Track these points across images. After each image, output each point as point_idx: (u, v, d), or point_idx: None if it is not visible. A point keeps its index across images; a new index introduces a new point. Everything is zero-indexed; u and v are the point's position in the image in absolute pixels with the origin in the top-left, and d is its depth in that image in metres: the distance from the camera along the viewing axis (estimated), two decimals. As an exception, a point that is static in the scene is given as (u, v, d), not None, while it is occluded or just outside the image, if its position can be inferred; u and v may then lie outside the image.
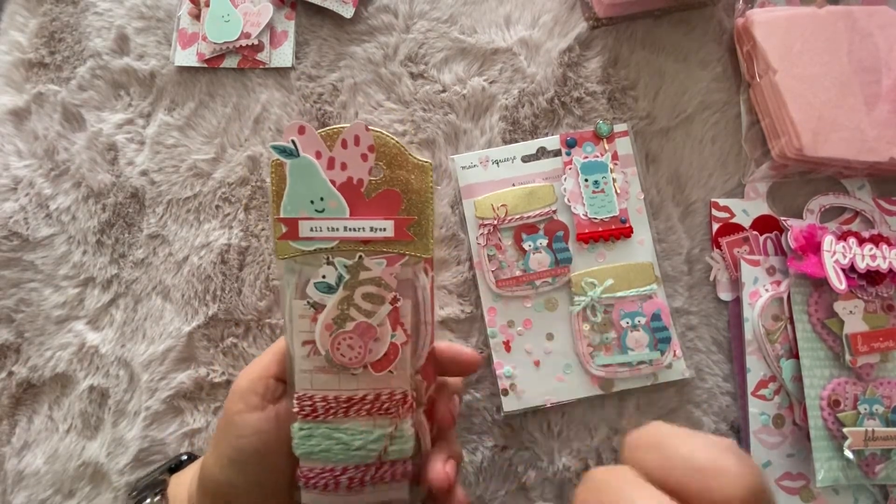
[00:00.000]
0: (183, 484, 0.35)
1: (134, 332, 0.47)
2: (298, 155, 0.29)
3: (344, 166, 0.29)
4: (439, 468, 0.31)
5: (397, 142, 0.30)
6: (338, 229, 0.30)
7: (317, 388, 0.30)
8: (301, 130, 0.28)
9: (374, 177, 0.30)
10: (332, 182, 0.29)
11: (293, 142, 0.29)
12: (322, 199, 0.29)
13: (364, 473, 0.31)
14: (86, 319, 0.47)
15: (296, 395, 0.30)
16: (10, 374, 0.47)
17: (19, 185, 0.49)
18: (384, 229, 0.30)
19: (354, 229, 0.30)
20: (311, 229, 0.29)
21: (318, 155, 0.29)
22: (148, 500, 0.35)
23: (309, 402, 0.30)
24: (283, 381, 0.32)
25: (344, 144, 0.29)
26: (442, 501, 0.32)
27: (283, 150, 0.29)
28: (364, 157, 0.29)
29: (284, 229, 0.30)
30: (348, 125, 0.29)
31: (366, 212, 0.30)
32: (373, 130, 0.29)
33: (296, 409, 0.30)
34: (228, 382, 0.46)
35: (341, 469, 0.30)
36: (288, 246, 0.30)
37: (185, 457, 0.41)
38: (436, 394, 0.33)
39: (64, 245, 0.48)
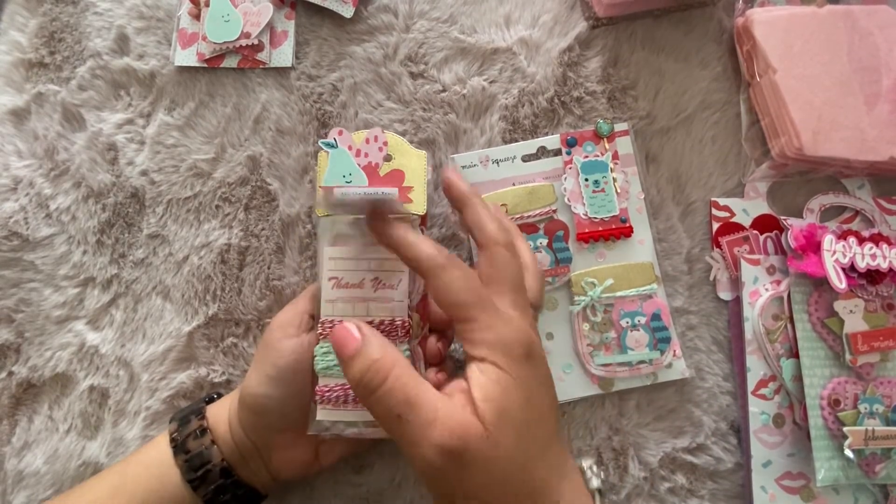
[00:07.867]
0: (221, 409, 0.41)
1: (134, 332, 0.47)
2: (337, 147, 0.44)
3: (366, 155, 0.44)
4: (432, 343, 0.39)
5: (403, 139, 0.45)
6: (359, 194, 0.39)
7: (336, 314, 0.38)
8: (339, 133, 0.44)
9: (386, 161, 0.44)
10: (358, 164, 0.44)
11: (334, 139, 0.44)
12: (350, 174, 0.44)
13: None
14: (86, 319, 0.47)
15: (320, 321, 0.38)
16: (10, 374, 0.47)
17: (19, 185, 0.49)
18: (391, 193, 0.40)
19: (370, 193, 0.39)
20: (342, 194, 0.38)
21: (350, 147, 0.44)
22: (192, 421, 0.40)
23: (330, 325, 0.38)
24: (313, 317, 0.40)
25: (367, 141, 0.44)
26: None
27: (328, 144, 0.44)
28: (380, 149, 0.44)
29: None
30: (369, 130, 0.44)
31: (380, 184, 0.43)
32: (386, 133, 0.44)
33: (319, 332, 0.37)
34: (229, 382, 0.46)
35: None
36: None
37: (215, 395, 0.45)
38: (429, 334, 0.41)
39: (64, 245, 0.48)
